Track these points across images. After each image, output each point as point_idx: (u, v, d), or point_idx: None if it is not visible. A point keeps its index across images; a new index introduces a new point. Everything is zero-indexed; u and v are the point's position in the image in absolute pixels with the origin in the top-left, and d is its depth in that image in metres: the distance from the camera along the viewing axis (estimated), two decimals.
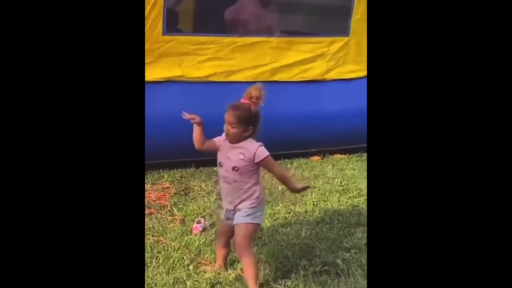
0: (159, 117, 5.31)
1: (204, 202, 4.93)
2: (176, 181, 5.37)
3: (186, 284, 3.59)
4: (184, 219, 4.57)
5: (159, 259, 3.87)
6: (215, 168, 5.65)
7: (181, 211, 4.71)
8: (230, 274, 3.70)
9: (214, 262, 3.87)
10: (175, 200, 4.97)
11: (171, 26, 5.69)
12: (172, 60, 5.60)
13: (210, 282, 3.63)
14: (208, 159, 5.67)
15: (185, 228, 4.39)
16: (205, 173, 5.63)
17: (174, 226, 4.42)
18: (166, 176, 5.43)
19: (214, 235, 4.28)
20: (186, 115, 3.46)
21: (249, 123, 3.34)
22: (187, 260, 3.90)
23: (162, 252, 3.97)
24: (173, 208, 4.77)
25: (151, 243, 4.09)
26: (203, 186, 5.33)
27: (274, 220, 4.65)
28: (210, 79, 5.82)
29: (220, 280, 3.66)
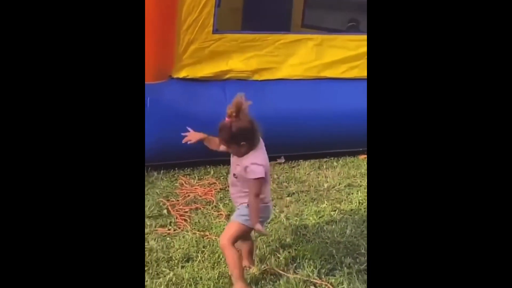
0: (206, 115, 5.34)
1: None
2: (222, 177, 5.39)
3: (231, 279, 3.60)
4: (229, 215, 4.56)
5: (204, 254, 3.89)
6: None
7: (227, 206, 4.72)
8: (270, 269, 3.70)
9: (258, 258, 3.87)
10: (221, 195, 4.98)
11: (221, 24, 5.72)
12: (221, 58, 5.63)
13: (255, 277, 3.63)
14: None
15: None
16: None
17: (219, 222, 4.43)
18: (212, 172, 5.45)
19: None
20: (192, 137, 3.54)
21: (238, 140, 3.27)
22: None
23: (208, 247, 3.99)
24: (219, 203, 4.79)
25: (197, 238, 4.12)
26: None
27: (319, 217, 4.62)
28: (257, 76, 5.83)
29: (265, 276, 3.66)
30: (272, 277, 3.66)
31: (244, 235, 3.52)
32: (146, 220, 4.35)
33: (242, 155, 3.32)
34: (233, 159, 3.42)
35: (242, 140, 3.26)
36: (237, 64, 5.73)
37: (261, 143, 3.40)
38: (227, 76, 5.71)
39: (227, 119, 3.26)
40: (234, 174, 3.41)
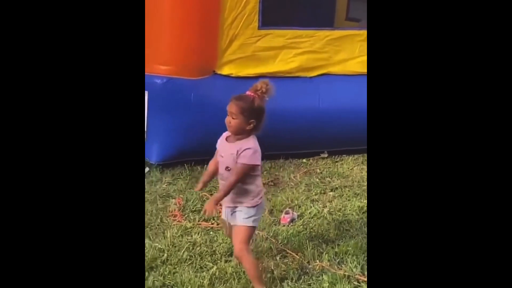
0: None
1: (293, 193, 4.90)
2: (265, 172, 5.36)
3: (273, 273, 3.58)
4: (272, 210, 4.56)
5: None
6: (304, 160, 5.66)
7: (270, 201, 4.70)
8: (317, 264, 3.67)
9: (301, 252, 3.85)
10: (264, 190, 4.95)
11: (267, 19, 5.67)
12: (267, 55, 5.60)
13: (297, 272, 3.61)
14: (298, 153, 5.70)
15: (273, 218, 4.39)
16: (294, 164, 5.61)
17: (262, 216, 4.40)
18: None
19: (302, 226, 4.26)
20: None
21: (251, 116, 3.17)
22: (275, 250, 3.89)
23: (251, 241, 3.96)
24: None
25: None
26: (292, 177, 5.30)
27: (363, 213, 4.56)
28: (304, 73, 5.77)
29: (307, 271, 3.64)
30: (315, 271, 3.62)
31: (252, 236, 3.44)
32: (190, 214, 4.36)
33: (241, 133, 3.21)
34: (225, 148, 3.28)
35: (254, 117, 3.18)
36: (284, 61, 5.68)
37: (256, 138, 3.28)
38: (273, 73, 5.65)
39: (250, 93, 3.21)
40: (227, 167, 3.25)
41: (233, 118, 3.19)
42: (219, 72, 5.44)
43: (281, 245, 3.96)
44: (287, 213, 4.41)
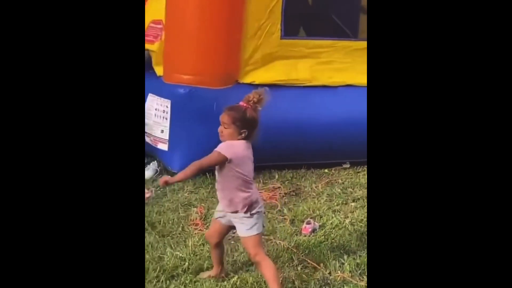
0: (271, 121, 5.32)
1: (314, 203, 4.87)
2: (287, 181, 5.35)
3: (294, 284, 3.56)
4: (294, 220, 4.53)
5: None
6: (326, 170, 5.63)
7: (291, 211, 4.68)
8: (339, 275, 3.64)
9: (322, 263, 3.82)
10: (286, 200, 4.95)
11: (289, 30, 5.67)
12: (288, 64, 5.59)
13: (319, 283, 3.58)
14: (320, 163, 5.67)
15: (294, 228, 4.36)
16: (316, 175, 5.57)
17: (284, 226, 4.39)
18: (277, 176, 5.42)
19: (323, 237, 4.23)
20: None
21: (243, 126, 3.20)
22: (296, 260, 3.86)
23: (272, 251, 3.96)
24: (284, 208, 4.75)
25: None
26: (314, 187, 5.28)
27: None
28: (325, 82, 5.76)
29: (328, 281, 3.60)
30: (336, 282, 3.59)
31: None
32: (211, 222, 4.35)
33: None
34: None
35: (246, 127, 3.20)
36: (305, 70, 5.67)
37: (250, 146, 3.29)
38: (294, 82, 5.65)
39: (242, 103, 3.23)
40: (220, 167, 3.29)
41: (225, 128, 3.22)
42: (241, 81, 5.43)
43: (302, 256, 3.93)
44: (308, 223, 4.38)
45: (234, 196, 3.26)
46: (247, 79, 5.44)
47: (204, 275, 3.57)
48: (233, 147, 3.22)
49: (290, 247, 4.05)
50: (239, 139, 3.22)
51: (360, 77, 5.86)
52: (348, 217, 4.62)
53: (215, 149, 3.21)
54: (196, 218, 4.43)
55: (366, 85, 5.85)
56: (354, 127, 5.68)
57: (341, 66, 5.82)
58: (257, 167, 5.39)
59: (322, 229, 4.37)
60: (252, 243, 3.30)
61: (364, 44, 5.87)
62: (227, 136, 3.22)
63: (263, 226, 3.44)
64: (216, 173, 3.30)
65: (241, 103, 3.25)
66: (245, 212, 3.25)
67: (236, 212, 3.27)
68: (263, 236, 4.13)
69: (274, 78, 5.51)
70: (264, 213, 4.56)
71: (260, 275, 3.61)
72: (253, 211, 3.27)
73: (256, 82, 5.42)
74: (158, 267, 3.62)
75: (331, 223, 4.47)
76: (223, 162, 3.19)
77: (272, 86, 5.41)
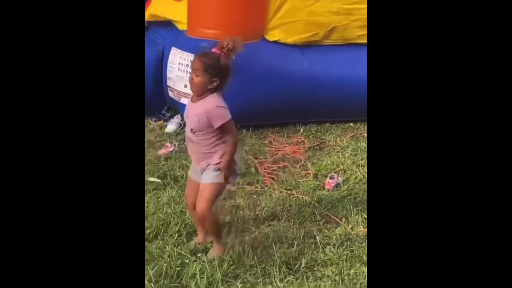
0: (297, 76, 5.24)
1: (338, 157, 4.77)
2: (311, 135, 5.25)
3: (316, 239, 3.50)
4: (317, 174, 4.46)
5: (290, 213, 3.80)
6: (351, 124, 5.51)
7: (315, 165, 4.60)
8: (361, 230, 3.58)
9: (345, 218, 3.75)
10: (310, 154, 4.86)
11: None
12: (321, 21, 5.39)
13: (340, 239, 3.52)
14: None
15: (317, 183, 4.29)
16: (341, 128, 5.46)
17: (307, 180, 4.32)
18: (301, 130, 5.32)
19: (347, 192, 4.15)
20: None
21: (215, 74, 2.99)
22: (318, 215, 3.80)
23: (294, 205, 3.90)
24: (307, 162, 4.67)
25: (283, 197, 4.03)
26: (338, 141, 5.17)
27: None
28: (359, 41, 5.55)
29: (350, 237, 3.55)
30: (358, 238, 3.53)
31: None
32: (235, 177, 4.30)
33: (203, 92, 3.04)
34: (189, 110, 3.14)
35: (217, 76, 3.00)
36: (338, 28, 5.47)
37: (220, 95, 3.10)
38: (325, 41, 5.46)
39: (216, 50, 3.04)
40: (191, 129, 3.11)
41: (195, 76, 3.02)
42: (267, 37, 5.30)
43: (324, 210, 3.87)
44: (331, 178, 4.30)
45: (210, 151, 3.11)
46: (273, 36, 5.29)
47: (191, 245, 3.36)
48: (225, 108, 3.05)
49: (312, 201, 3.98)
50: (209, 88, 3.03)
51: None
52: None
53: (222, 122, 3.03)
54: None
55: None
56: None
57: None
58: (283, 123, 5.39)
59: (345, 184, 4.29)
60: (208, 194, 3.14)
61: None
62: (198, 84, 3.03)
63: (233, 181, 3.33)
64: (191, 132, 3.12)
65: (213, 49, 3.05)
66: (218, 161, 3.11)
67: (209, 162, 3.12)
68: (285, 190, 4.10)
69: (301, 37, 5.36)
70: (288, 167, 4.52)
71: (282, 230, 3.58)
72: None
73: (281, 41, 5.29)
74: (180, 222, 3.59)
75: (354, 178, 4.38)
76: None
77: (301, 44, 5.33)
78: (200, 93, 3.07)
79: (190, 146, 3.21)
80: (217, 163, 3.11)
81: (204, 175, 3.16)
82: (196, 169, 3.23)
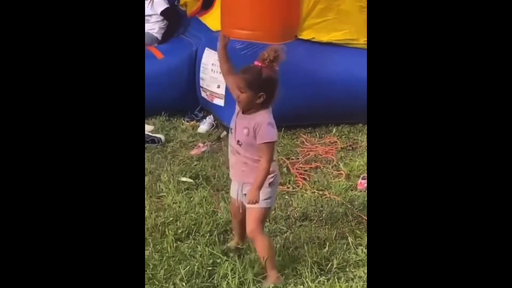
0: (331, 78, 5.21)
1: None
2: (344, 136, 5.22)
3: (348, 240, 3.47)
4: (349, 175, 4.42)
5: (322, 213, 3.78)
6: None
7: (347, 166, 4.56)
8: None
9: None
10: (342, 154, 4.82)
11: None
12: (352, 20, 5.34)
13: None
14: None
15: (350, 184, 4.26)
16: None
17: (339, 181, 4.29)
18: (334, 130, 5.28)
19: None
20: None
21: (260, 88, 2.87)
22: (351, 216, 3.77)
23: (326, 206, 3.87)
24: (339, 162, 4.64)
25: (315, 197, 4.01)
26: None
27: None
28: None
29: None
30: None
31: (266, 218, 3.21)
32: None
33: (251, 107, 2.92)
34: (239, 121, 3.00)
35: (263, 90, 2.88)
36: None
37: (271, 109, 2.99)
38: (357, 42, 5.39)
39: (257, 62, 2.91)
40: (238, 141, 2.98)
41: (241, 92, 2.91)
42: (301, 37, 5.27)
43: (357, 211, 3.84)
44: (364, 178, 4.26)
45: (252, 168, 2.97)
46: (306, 35, 5.26)
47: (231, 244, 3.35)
48: (273, 127, 2.93)
49: (344, 202, 3.95)
50: (257, 103, 2.90)
51: None
52: None
53: (265, 141, 2.89)
54: None
55: None
56: None
57: None
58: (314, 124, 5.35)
59: None
60: (256, 216, 3.01)
61: None
62: (245, 101, 2.91)
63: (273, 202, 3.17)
64: (237, 144, 2.99)
65: (256, 62, 2.93)
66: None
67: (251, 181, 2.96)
68: (317, 191, 4.07)
69: (335, 37, 5.32)
70: (320, 168, 4.49)
71: (313, 230, 3.56)
72: (269, 181, 2.98)
73: (315, 39, 5.26)
74: (212, 222, 3.59)
75: None
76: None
77: (333, 44, 5.29)
78: (248, 109, 2.96)
79: (233, 158, 3.08)
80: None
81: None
82: (235, 187, 3.14)
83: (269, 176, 2.96)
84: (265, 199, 2.99)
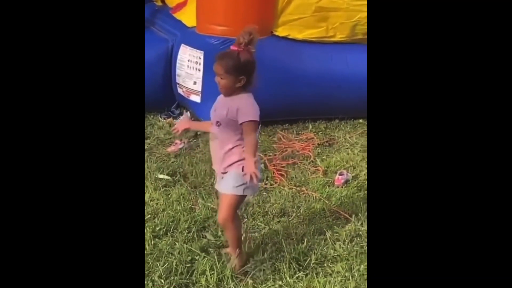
0: (308, 73, 5.22)
1: (348, 154, 4.76)
2: (321, 132, 5.23)
3: (325, 235, 3.49)
4: (326, 170, 4.44)
5: (300, 209, 3.78)
6: (360, 120, 5.49)
7: (324, 162, 4.58)
8: None
9: (354, 215, 3.73)
10: (319, 150, 4.84)
11: None
12: (327, 18, 5.37)
13: (350, 235, 3.50)
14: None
15: (327, 180, 4.27)
16: (350, 125, 5.45)
17: (316, 177, 4.30)
18: (310, 127, 5.30)
19: (356, 188, 4.13)
20: (179, 127, 3.18)
21: (239, 72, 2.86)
22: (328, 211, 3.79)
23: (304, 202, 3.88)
24: (317, 158, 4.65)
25: (293, 193, 4.02)
26: (348, 137, 5.15)
27: None
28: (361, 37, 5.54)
29: (360, 233, 3.52)
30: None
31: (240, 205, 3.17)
32: None
33: (232, 92, 2.91)
34: (219, 104, 3.00)
35: (243, 73, 2.87)
36: (346, 25, 5.44)
37: (251, 95, 2.97)
38: (333, 39, 5.44)
39: (233, 47, 2.89)
40: (217, 122, 2.96)
41: (221, 79, 2.91)
42: (276, 33, 5.27)
43: (334, 207, 3.85)
44: (341, 174, 4.29)
45: (231, 154, 2.95)
46: (282, 32, 5.27)
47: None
48: (256, 108, 2.91)
49: (322, 198, 3.97)
50: (237, 87, 2.89)
51: None
52: None
53: (248, 119, 2.86)
54: None
55: None
56: None
57: None
58: (292, 120, 5.37)
59: (355, 180, 4.28)
60: (230, 203, 2.99)
61: None
62: (225, 86, 2.91)
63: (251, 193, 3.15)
64: (216, 125, 2.97)
65: (232, 47, 2.91)
66: (239, 166, 2.94)
67: (231, 166, 2.96)
68: (295, 187, 4.08)
69: (311, 34, 5.33)
70: (297, 164, 4.50)
71: (291, 226, 3.56)
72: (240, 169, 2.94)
73: (291, 36, 5.26)
74: (189, 219, 3.58)
75: (364, 174, 4.36)
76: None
77: (311, 40, 5.29)
78: (228, 94, 2.95)
79: (213, 145, 3.07)
80: (229, 165, 2.96)
81: (224, 183, 3.02)
82: (218, 177, 3.09)
83: (239, 161, 2.94)
84: (238, 186, 2.95)
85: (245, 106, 2.90)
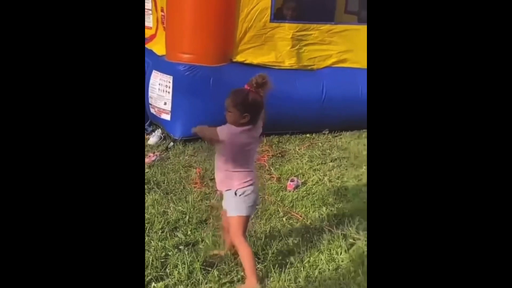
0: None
1: (297, 163, 4.87)
2: (274, 145, 5.33)
3: (280, 232, 3.56)
4: (280, 178, 4.53)
5: (257, 211, 3.85)
6: (307, 135, 5.61)
7: (278, 170, 4.67)
8: (318, 225, 3.64)
9: (304, 215, 3.82)
10: (273, 161, 4.93)
11: (278, 14, 5.59)
12: (277, 45, 5.51)
13: (301, 231, 3.58)
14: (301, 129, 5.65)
15: (280, 185, 4.36)
16: (299, 139, 5.57)
17: (271, 184, 4.39)
18: (265, 141, 5.39)
19: (305, 192, 4.23)
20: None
21: (245, 110, 2.78)
22: (282, 212, 3.86)
23: (261, 205, 3.95)
24: (271, 168, 4.74)
25: None
26: (297, 149, 5.27)
27: (358, 181, 4.53)
28: (310, 64, 5.70)
29: (309, 230, 3.61)
30: (316, 231, 3.60)
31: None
32: (209, 181, 4.33)
33: (235, 125, 2.84)
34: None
35: (248, 111, 2.79)
36: (292, 52, 5.58)
37: (259, 125, 2.92)
38: (284, 64, 5.57)
39: (247, 86, 2.84)
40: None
41: (229, 111, 2.84)
42: (235, 60, 5.37)
43: (287, 208, 3.94)
44: (292, 180, 4.39)
45: (227, 176, 2.91)
46: (240, 58, 5.37)
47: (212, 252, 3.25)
48: (230, 129, 2.83)
49: (276, 201, 4.05)
50: (241, 123, 2.82)
51: (339, 58, 5.82)
52: (326, 175, 4.63)
53: (220, 136, 2.83)
54: (196, 178, 4.41)
55: (344, 66, 5.86)
56: (331, 103, 5.66)
57: (323, 47, 5.73)
58: None
59: (304, 186, 4.38)
60: (237, 225, 2.93)
61: (340, 27, 5.79)
62: (230, 120, 2.83)
63: (255, 208, 3.11)
64: (218, 150, 2.95)
65: (245, 86, 2.85)
66: (239, 185, 2.90)
67: (231, 186, 2.92)
68: None
69: (264, 59, 5.45)
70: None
71: (251, 225, 3.62)
72: (241, 193, 2.91)
73: (247, 61, 5.37)
74: (163, 220, 3.62)
75: (311, 180, 4.47)
76: (216, 141, 2.86)
77: (261, 66, 5.40)
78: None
79: (216, 169, 3.00)
80: (238, 194, 2.90)
81: (227, 205, 2.97)
82: (220, 194, 3.05)
83: (245, 182, 2.90)
84: (239, 208, 2.91)
85: (228, 125, 2.84)
